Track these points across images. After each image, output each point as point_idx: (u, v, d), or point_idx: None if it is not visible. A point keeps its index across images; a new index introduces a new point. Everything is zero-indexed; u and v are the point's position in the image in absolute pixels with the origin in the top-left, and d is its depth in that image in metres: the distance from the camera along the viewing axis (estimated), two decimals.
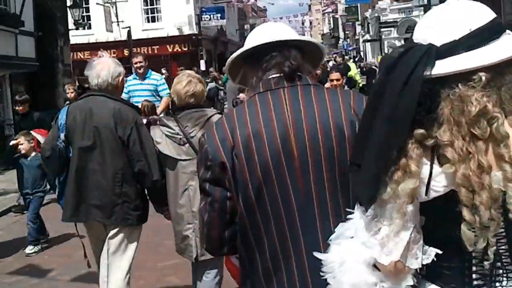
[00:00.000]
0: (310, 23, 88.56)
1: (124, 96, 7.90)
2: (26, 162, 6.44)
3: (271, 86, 1.76)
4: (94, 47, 29.80)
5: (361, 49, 39.78)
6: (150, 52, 27.18)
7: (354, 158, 1.43)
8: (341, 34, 57.17)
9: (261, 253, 1.73)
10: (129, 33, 24.21)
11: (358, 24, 41.16)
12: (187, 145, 3.48)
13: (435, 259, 1.37)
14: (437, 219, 1.36)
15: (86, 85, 17.56)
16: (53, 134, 3.73)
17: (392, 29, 26.81)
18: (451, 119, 1.26)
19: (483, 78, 1.25)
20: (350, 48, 38.47)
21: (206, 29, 29.82)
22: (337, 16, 56.40)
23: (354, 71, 16.12)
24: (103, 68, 3.63)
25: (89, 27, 24.12)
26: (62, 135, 3.59)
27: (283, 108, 1.72)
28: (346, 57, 19.33)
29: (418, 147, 1.29)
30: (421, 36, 1.38)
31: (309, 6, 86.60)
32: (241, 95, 8.53)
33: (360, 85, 15.36)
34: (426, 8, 7.35)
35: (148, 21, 30.24)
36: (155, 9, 30.40)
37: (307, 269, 1.67)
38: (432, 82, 1.27)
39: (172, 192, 3.58)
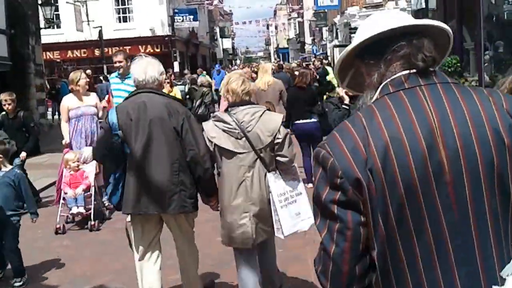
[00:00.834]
0: (276, 27, 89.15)
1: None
2: None
3: (403, 85, 1.46)
4: (64, 47, 29.49)
5: (329, 54, 40.42)
6: None
7: None
8: (307, 39, 57.83)
9: None
10: (100, 33, 23.96)
11: (326, 30, 41.77)
12: (243, 139, 3.67)
13: None
14: None
15: (58, 86, 17.15)
16: (105, 134, 3.88)
17: None
18: None
19: None
20: (317, 53, 39.03)
21: (178, 30, 29.81)
22: (302, 21, 57.02)
23: (332, 75, 16.34)
24: (149, 66, 3.86)
25: (59, 26, 23.73)
26: (119, 133, 3.75)
27: (425, 111, 1.41)
28: (325, 61, 19.66)
29: None
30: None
31: (275, 11, 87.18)
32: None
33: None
34: (424, 11, 7.52)
35: (120, 21, 29.90)
36: (127, 9, 30.08)
37: None
38: None
39: (228, 183, 3.74)
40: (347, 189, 1.40)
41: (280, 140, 3.70)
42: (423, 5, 7.40)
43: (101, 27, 24.33)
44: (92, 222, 6.73)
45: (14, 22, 15.02)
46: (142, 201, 3.78)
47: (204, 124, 3.88)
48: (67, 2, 25.67)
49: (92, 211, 6.80)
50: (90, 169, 7.01)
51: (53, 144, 12.84)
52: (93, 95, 7.89)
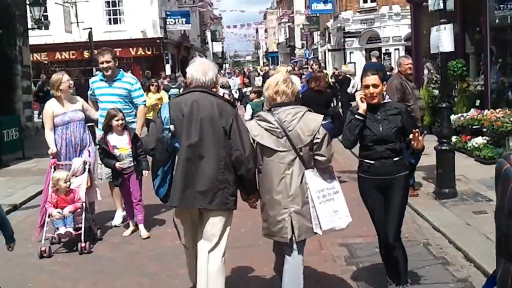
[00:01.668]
0: (266, 31, 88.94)
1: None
2: None
3: None
4: (52, 48, 28.93)
5: (320, 57, 40.24)
6: None
7: None
8: (297, 43, 57.67)
9: None
10: (90, 34, 23.42)
11: (318, 34, 41.58)
12: (284, 138, 3.88)
13: None
14: None
15: (47, 88, 16.34)
16: (157, 128, 3.98)
17: (354, 39, 27.23)
18: None
19: None
20: (309, 57, 38.81)
21: (170, 33, 29.35)
22: (293, 25, 56.82)
23: (330, 80, 16.08)
24: (209, 69, 4.07)
25: (47, 27, 23.19)
26: (171, 127, 3.88)
27: None
28: (323, 65, 19.48)
29: None
30: None
31: (265, 15, 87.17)
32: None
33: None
34: (441, 11, 7.25)
35: (110, 23, 29.38)
36: (118, 11, 29.57)
37: None
38: None
39: (269, 180, 3.95)
40: None
41: (319, 140, 3.89)
42: (441, 6, 7.20)
43: (90, 28, 23.76)
44: (83, 244, 5.89)
45: (1, 23, 14.51)
46: (188, 195, 3.89)
47: (247, 122, 4.16)
48: (56, 3, 25.09)
49: (82, 231, 5.95)
50: (80, 183, 6.25)
51: (40, 149, 12.06)
52: (78, 98, 6.84)
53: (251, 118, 6.66)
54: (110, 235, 6.58)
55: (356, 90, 19.13)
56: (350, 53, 27.59)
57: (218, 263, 4.02)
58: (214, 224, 4.01)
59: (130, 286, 4.80)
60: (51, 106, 6.51)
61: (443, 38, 7.17)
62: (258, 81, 25.67)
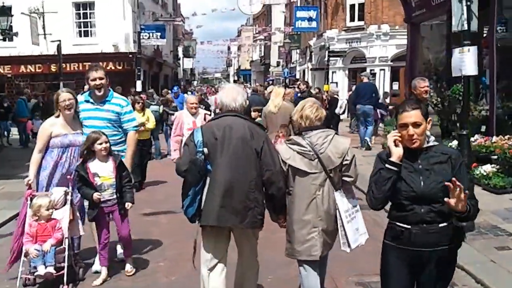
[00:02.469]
0: (239, 48, 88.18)
1: None
2: None
3: None
4: (16, 61, 27.15)
5: (298, 76, 39.30)
6: (81, 68, 24.74)
7: None
8: (273, 61, 56.86)
9: None
10: (58, 47, 21.80)
11: (297, 52, 40.71)
12: (316, 160, 4.06)
13: None
14: None
15: (7, 104, 15.74)
16: (190, 150, 4.10)
17: (338, 58, 26.25)
18: None
19: None
20: (287, 75, 37.81)
21: (143, 48, 27.80)
22: (269, 43, 56.00)
23: None
24: (238, 94, 4.28)
25: (11, 39, 21.50)
26: (205, 150, 4.04)
27: None
28: (311, 84, 18.42)
29: None
30: None
31: (239, 31, 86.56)
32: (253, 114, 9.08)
33: None
34: (465, 33, 6.55)
35: (81, 36, 27.68)
36: (89, 23, 27.86)
37: None
38: None
39: (299, 200, 4.12)
40: None
41: (348, 162, 4.09)
42: (465, 27, 6.92)
43: (59, 41, 22.10)
44: (65, 286, 5.18)
45: None
46: (223, 214, 4.03)
47: (277, 146, 4.35)
48: (22, 13, 23.34)
49: (65, 271, 5.18)
50: (62, 217, 5.44)
51: (4, 169, 11.90)
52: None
53: None
54: (93, 275, 5.73)
55: (344, 111, 18.43)
56: (333, 72, 26.60)
57: (254, 275, 4.40)
58: (242, 241, 4.31)
59: None
60: (52, 124, 5.74)
61: (466, 60, 6.82)
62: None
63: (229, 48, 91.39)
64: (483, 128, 10.50)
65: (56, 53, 22.08)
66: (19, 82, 27.81)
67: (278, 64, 54.18)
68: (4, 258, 5.59)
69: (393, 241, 3.26)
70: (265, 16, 59.94)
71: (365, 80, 16.08)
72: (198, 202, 4.10)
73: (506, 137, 9.40)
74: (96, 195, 5.30)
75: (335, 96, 16.95)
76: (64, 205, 5.50)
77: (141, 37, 26.36)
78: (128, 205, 5.52)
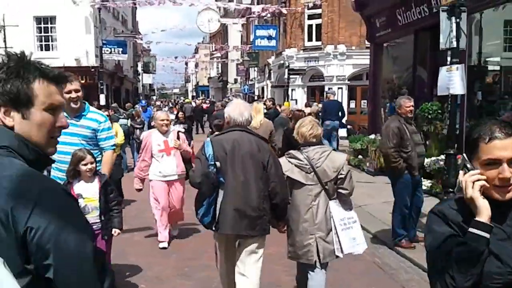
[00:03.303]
0: (196, 65, 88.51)
1: None
2: None
3: None
4: None
5: (256, 93, 40.04)
6: None
7: None
8: (230, 78, 57.48)
9: None
10: None
11: (255, 70, 41.44)
12: (312, 173, 4.46)
13: None
14: None
15: None
16: (202, 164, 4.35)
17: (298, 76, 27.09)
18: None
19: None
20: (248, 92, 38.49)
21: (105, 62, 27.90)
22: (227, 61, 56.70)
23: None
24: (245, 109, 4.52)
25: None
26: (217, 164, 4.29)
27: None
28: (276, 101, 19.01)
29: None
30: None
31: (196, 48, 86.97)
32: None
33: None
34: (454, 50, 6.81)
35: (42, 49, 27.55)
36: (50, 37, 27.83)
37: None
38: None
39: (297, 210, 4.54)
40: None
41: (343, 176, 4.48)
42: (454, 44, 6.82)
43: None
44: None
45: None
46: (237, 223, 4.34)
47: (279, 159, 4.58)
48: None
49: None
50: None
51: None
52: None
53: None
54: None
55: (286, 130, 18.87)
56: (292, 90, 27.40)
57: (256, 281, 4.56)
58: (253, 247, 4.51)
59: None
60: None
61: (454, 79, 6.68)
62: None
63: (186, 64, 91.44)
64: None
65: None
66: None
67: (235, 81, 54.88)
68: None
69: None
70: (221, 34, 60.67)
71: (332, 97, 16.81)
72: (213, 212, 4.36)
73: None
74: None
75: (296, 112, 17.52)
76: None
77: (103, 51, 26.48)
78: (115, 231, 5.11)
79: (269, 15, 29.27)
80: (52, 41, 27.99)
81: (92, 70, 27.28)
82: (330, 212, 4.51)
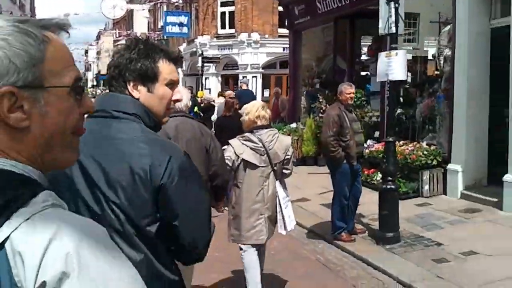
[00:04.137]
0: (98, 53, 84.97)
1: None
2: None
3: None
4: None
5: None
6: None
7: None
8: None
9: None
10: None
11: None
12: (265, 155, 4.64)
13: None
14: None
15: None
16: None
17: (211, 64, 26.58)
18: None
19: None
20: None
21: None
22: None
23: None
24: (182, 95, 4.31)
25: None
26: None
27: None
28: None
29: None
30: None
31: (99, 35, 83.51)
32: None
33: None
34: (393, 36, 6.65)
35: None
36: None
37: None
38: None
39: (249, 191, 4.67)
40: None
41: (289, 157, 4.76)
42: (393, 30, 6.64)
43: None
44: None
45: None
46: None
47: (232, 141, 4.72)
48: None
49: None
50: None
51: None
52: None
53: None
54: None
55: (218, 118, 18.48)
56: (206, 78, 26.84)
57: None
58: None
59: None
60: None
61: (394, 65, 6.52)
62: None
63: (86, 52, 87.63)
64: (377, 134, 10.66)
65: None
66: None
67: None
68: None
69: None
70: (126, 21, 58.46)
71: (244, 87, 16.53)
72: None
73: (401, 142, 9.39)
74: None
75: (211, 103, 17.06)
76: None
77: None
78: None
79: (180, 1, 28.40)
80: None
81: None
82: (276, 192, 4.74)
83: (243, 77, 22.53)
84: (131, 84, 1.97)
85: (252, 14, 25.24)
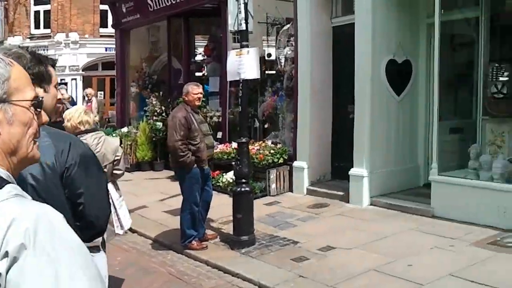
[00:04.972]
0: None
1: None
2: None
3: None
4: None
5: None
6: None
7: None
8: None
9: None
10: None
11: None
12: None
13: None
14: None
15: None
16: None
17: None
18: None
19: None
20: None
21: None
22: None
23: None
24: None
25: None
26: None
27: None
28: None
29: None
30: None
31: None
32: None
33: None
34: (243, 33, 6.28)
35: None
36: None
37: None
38: None
39: None
40: None
41: (119, 158, 4.74)
42: (243, 27, 6.37)
43: None
44: None
45: None
46: None
47: None
48: None
49: None
50: None
51: None
52: None
53: None
54: None
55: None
56: None
57: None
58: None
59: None
60: None
61: (245, 63, 6.24)
62: None
63: None
64: (219, 135, 10.42)
65: None
66: None
67: None
68: None
69: None
70: None
71: (63, 91, 15.10)
72: None
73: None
74: None
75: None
76: None
77: None
78: None
79: None
80: None
81: None
82: (109, 193, 4.31)
83: (61, 79, 20.75)
84: None
85: (71, 13, 23.57)
